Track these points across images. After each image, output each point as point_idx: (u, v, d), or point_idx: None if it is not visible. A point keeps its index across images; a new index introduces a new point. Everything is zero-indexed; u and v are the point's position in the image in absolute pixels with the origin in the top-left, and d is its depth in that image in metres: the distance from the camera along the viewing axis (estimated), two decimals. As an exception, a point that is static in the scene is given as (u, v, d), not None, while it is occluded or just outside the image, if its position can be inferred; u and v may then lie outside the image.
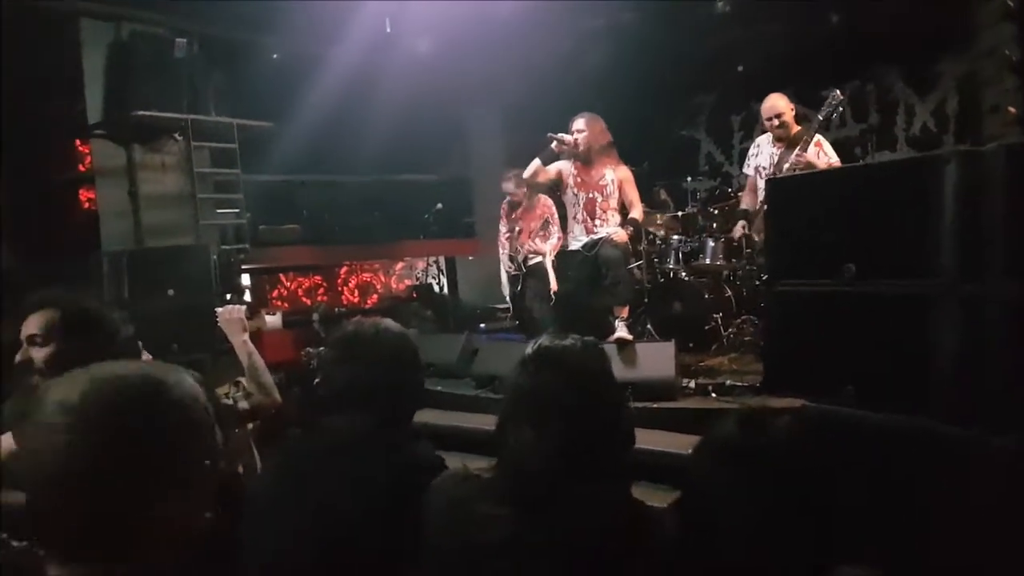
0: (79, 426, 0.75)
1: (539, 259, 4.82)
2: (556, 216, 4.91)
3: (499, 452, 1.27)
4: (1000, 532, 1.74)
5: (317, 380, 1.65)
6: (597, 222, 4.27)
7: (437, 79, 7.04)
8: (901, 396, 2.03)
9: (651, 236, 5.40)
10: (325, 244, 7.18)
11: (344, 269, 8.91)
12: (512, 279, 5.00)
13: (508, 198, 5.03)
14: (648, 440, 3.09)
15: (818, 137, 4.16)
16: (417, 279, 9.32)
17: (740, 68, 7.14)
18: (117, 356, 0.97)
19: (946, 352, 1.95)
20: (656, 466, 2.67)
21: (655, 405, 3.57)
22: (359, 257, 8.36)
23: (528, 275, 4.89)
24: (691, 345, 4.71)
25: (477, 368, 4.54)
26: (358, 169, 7.29)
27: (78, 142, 5.89)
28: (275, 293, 8.33)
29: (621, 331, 4.05)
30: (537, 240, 4.91)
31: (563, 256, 4.56)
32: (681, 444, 3.00)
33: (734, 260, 5.12)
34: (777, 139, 4.27)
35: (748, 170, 4.54)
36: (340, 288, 8.97)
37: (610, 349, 3.73)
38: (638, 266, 5.17)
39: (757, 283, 4.75)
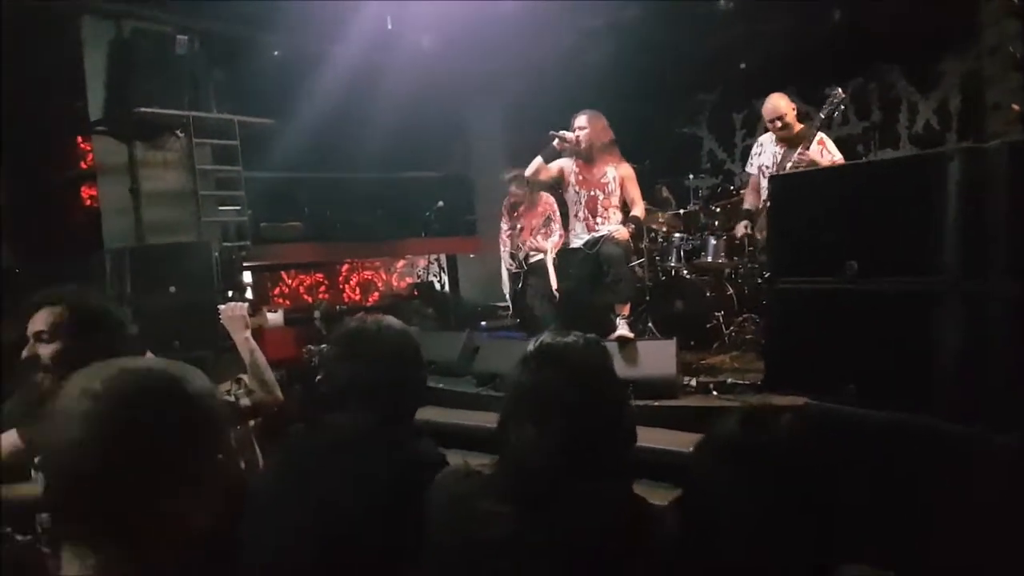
0: (103, 413, 0.77)
1: (540, 257, 4.81)
2: (558, 214, 4.91)
3: (501, 449, 1.27)
4: (1003, 530, 1.73)
5: (319, 377, 1.65)
6: (599, 220, 4.27)
7: (439, 76, 7.03)
8: (903, 394, 2.03)
9: (653, 234, 5.40)
10: (326, 241, 7.18)
11: (345, 267, 8.91)
12: (513, 277, 5.00)
13: (509, 196, 5.03)
14: (649, 438, 3.09)
15: (821, 135, 4.15)
16: (418, 277, 9.32)
17: (742, 65, 7.12)
18: (123, 353, 0.98)
19: (948, 350, 1.95)
20: (657, 464, 2.67)
21: (656, 403, 3.58)
22: (360, 255, 8.36)
23: (529, 273, 4.88)
24: (692, 343, 4.71)
25: (478, 366, 4.55)
26: (359, 166, 7.29)
27: (80, 139, 5.89)
28: (276, 291, 8.34)
29: (622, 329, 4.05)
30: (539, 237, 4.90)
31: (564, 254, 4.55)
32: (682, 442, 3.00)
33: (736, 258, 5.12)
34: (780, 139, 4.26)
35: (751, 169, 4.53)
36: (341, 286, 8.98)
37: (611, 347, 3.73)
38: (640, 264, 5.17)
39: (759, 281, 4.75)
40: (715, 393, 3.71)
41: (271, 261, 7.10)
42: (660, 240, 5.46)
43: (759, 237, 4.42)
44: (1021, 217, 1.82)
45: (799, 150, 4.07)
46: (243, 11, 5.79)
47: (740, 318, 4.95)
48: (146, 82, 5.39)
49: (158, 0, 5.52)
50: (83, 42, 5.37)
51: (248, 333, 2.22)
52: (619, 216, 4.31)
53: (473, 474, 1.29)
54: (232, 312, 2.24)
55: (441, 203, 7.90)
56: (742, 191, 5.39)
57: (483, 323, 6.69)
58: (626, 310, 4.17)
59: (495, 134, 8.23)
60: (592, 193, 4.27)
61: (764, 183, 4.29)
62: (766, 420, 1.10)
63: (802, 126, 4.22)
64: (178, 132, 5.68)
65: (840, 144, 4.38)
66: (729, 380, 3.80)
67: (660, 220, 5.52)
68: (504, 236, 5.08)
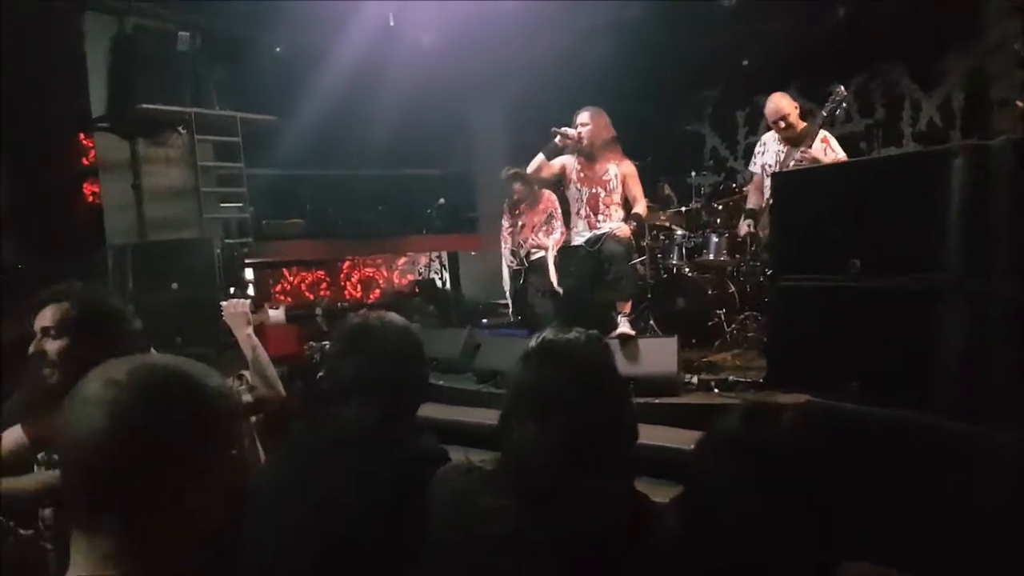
0: (126, 403, 0.79)
1: (541, 254, 4.80)
2: (559, 211, 4.90)
3: (502, 446, 1.27)
4: (1005, 528, 1.73)
5: (321, 373, 1.65)
6: (600, 217, 4.26)
7: (440, 74, 7.02)
8: (906, 392, 2.03)
9: (654, 232, 5.39)
10: (328, 238, 7.18)
11: (347, 264, 8.92)
12: (514, 274, 5.00)
13: (512, 193, 5.02)
14: (650, 436, 3.09)
15: (824, 133, 4.13)
16: (419, 274, 9.33)
17: (745, 63, 7.10)
18: (129, 350, 0.99)
19: (951, 348, 1.94)
20: (658, 462, 2.66)
21: (657, 401, 3.57)
22: (362, 252, 8.36)
23: (530, 270, 4.88)
24: (694, 341, 4.70)
25: (479, 363, 4.54)
26: (361, 163, 7.30)
27: (82, 136, 5.90)
28: (278, 287, 8.34)
29: (624, 327, 4.04)
30: (540, 235, 4.89)
31: (566, 251, 4.55)
32: (683, 440, 3.00)
33: (738, 256, 5.11)
34: (784, 139, 4.25)
35: (754, 168, 4.52)
36: (343, 283, 8.98)
37: (613, 345, 3.72)
38: (641, 261, 5.16)
39: (761, 279, 4.74)
40: (716, 391, 3.70)
41: (273, 258, 7.11)
42: (662, 238, 5.45)
43: (761, 235, 4.41)
44: (1025, 215, 1.81)
45: (802, 148, 4.06)
46: (245, 8, 5.78)
47: (742, 316, 4.95)
48: (148, 79, 5.39)
49: (160, -4, 5.52)
50: (85, 38, 5.37)
51: (250, 330, 2.22)
52: (621, 214, 4.30)
53: (475, 470, 1.29)
54: (234, 309, 2.24)
55: (442, 200, 7.90)
56: (744, 189, 5.37)
57: (484, 320, 6.69)
58: (627, 308, 4.16)
59: (497, 131, 8.22)
60: (594, 190, 4.26)
61: (767, 182, 4.28)
62: (768, 417, 1.10)
63: (805, 124, 4.21)
64: (180, 129, 5.67)
65: (843, 142, 4.36)
66: (730, 378, 3.80)
67: (662, 218, 5.51)
68: (505, 233, 5.08)
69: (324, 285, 8.71)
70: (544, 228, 4.91)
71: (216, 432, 0.85)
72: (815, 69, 6.02)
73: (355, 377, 1.54)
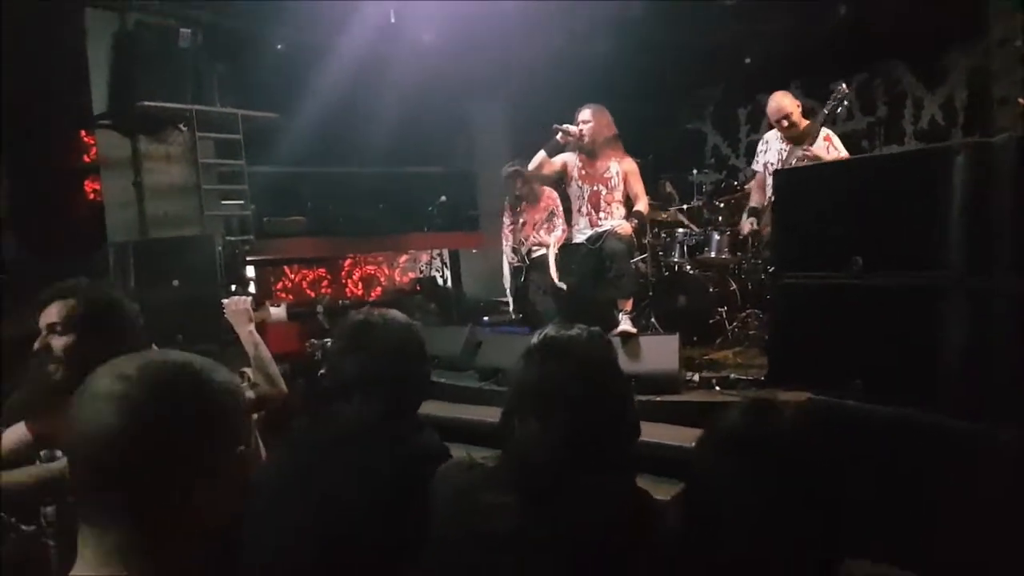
0: (137, 397, 0.79)
1: (543, 251, 4.80)
2: (561, 208, 4.89)
3: (504, 443, 1.27)
4: (1007, 526, 1.73)
5: (323, 370, 1.65)
6: (601, 215, 4.26)
7: (442, 71, 7.01)
8: (908, 389, 2.03)
9: (656, 229, 5.39)
10: (329, 236, 7.17)
11: (348, 261, 8.92)
12: (515, 271, 4.99)
13: (512, 190, 5.01)
14: (652, 433, 3.09)
15: (827, 132, 4.12)
16: (421, 272, 9.33)
17: (747, 60, 7.09)
18: (134, 348, 0.99)
19: (953, 346, 1.94)
20: (659, 459, 2.66)
21: (658, 398, 3.57)
22: (363, 249, 8.36)
23: (532, 268, 4.87)
24: (695, 339, 4.70)
25: (481, 361, 4.54)
26: (362, 161, 7.29)
27: (83, 133, 5.90)
28: (279, 285, 8.34)
29: (625, 324, 4.04)
30: (541, 232, 4.89)
31: (567, 249, 4.55)
32: (685, 437, 3.00)
33: (739, 253, 5.11)
34: (787, 138, 4.24)
35: (757, 166, 4.51)
36: (344, 280, 8.98)
37: (614, 342, 3.72)
38: (643, 259, 5.16)
39: (763, 276, 4.74)
40: (718, 389, 3.70)
41: (274, 255, 7.10)
42: (663, 235, 5.45)
43: (764, 233, 4.41)
44: (1028, 212, 1.81)
45: (804, 146, 4.05)
46: (247, 5, 5.78)
47: (743, 314, 4.95)
48: (149, 76, 5.38)
49: (161, -7, 5.52)
50: (86, 35, 5.36)
51: (252, 327, 2.22)
52: (622, 211, 4.30)
53: (476, 467, 1.29)
54: (236, 306, 2.24)
55: (444, 198, 7.89)
56: (746, 187, 5.37)
57: (485, 318, 6.69)
58: (629, 305, 4.16)
59: (498, 129, 8.22)
60: (595, 188, 4.26)
61: (770, 180, 4.27)
62: (768, 414, 1.10)
63: (808, 123, 4.20)
64: (181, 126, 5.67)
65: (845, 140, 4.36)
66: (732, 376, 3.79)
67: (663, 216, 5.50)
68: (506, 231, 5.07)
69: (325, 283, 8.72)
70: (545, 226, 4.90)
71: (225, 427, 0.85)
72: (817, 67, 6.01)
73: (357, 374, 1.54)
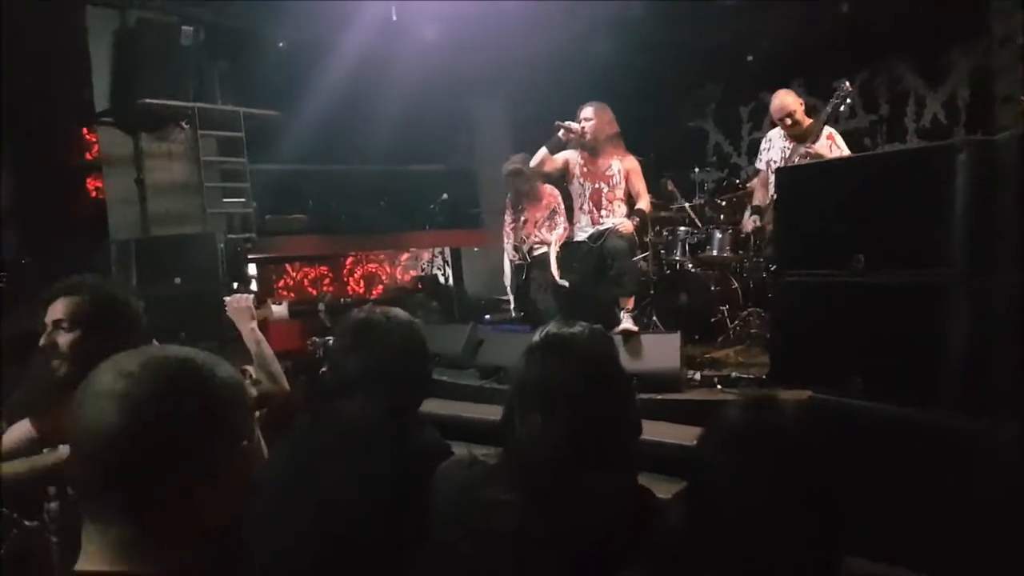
0: (138, 394, 0.79)
1: (544, 249, 4.79)
2: (562, 206, 4.89)
3: (505, 440, 1.27)
4: (1007, 526, 1.73)
5: (325, 368, 1.65)
6: (603, 212, 4.25)
7: (443, 69, 7.01)
8: (909, 387, 2.02)
9: (658, 227, 5.38)
10: (331, 234, 7.18)
11: (350, 259, 8.92)
12: (516, 269, 4.99)
13: (514, 188, 5.00)
14: (653, 431, 3.09)
15: (830, 130, 4.12)
16: (422, 270, 9.33)
17: (749, 58, 7.08)
18: (139, 344, 0.99)
19: (955, 344, 1.94)
20: (661, 458, 2.66)
21: (660, 397, 3.57)
22: (365, 247, 8.36)
23: (533, 265, 4.87)
24: (697, 337, 4.70)
25: (482, 359, 4.54)
26: (364, 159, 7.29)
27: (85, 131, 5.90)
28: (281, 283, 8.35)
29: (626, 322, 4.04)
30: (543, 230, 4.88)
31: (568, 247, 4.54)
32: (686, 436, 3.00)
33: (741, 252, 5.10)
34: (790, 136, 4.24)
35: (760, 164, 4.50)
36: (346, 278, 8.99)
37: (615, 340, 3.71)
38: (644, 257, 5.15)
39: (764, 275, 4.73)
40: (719, 387, 3.70)
41: (276, 253, 7.11)
42: (665, 233, 5.44)
43: (767, 230, 4.40)
44: (1030, 210, 1.80)
45: (807, 144, 4.05)
46: (248, 3, 5.78)
47: (745, 312, 4.94)
48: (151, 73, 5.38)
49: (162, -9, 5.52)
50: (88, 33, 5.36)
51: (254, 324, 2.22)
52: (624, 209, 4.29)
53: (478, 464, 1.29)
54: (238, 303, 2.24)
55: (445, 196, 7.89)
56: (748, 185, 5.36)
57: (487, 316, 6.69)
58: (630, 304, 4.16)
59: (499, 127, 8.21)
60: (597, 186, 4.25)
61: (772, 178, 4.27)
62: (770, 412, 1.10)
63: (811, 121, 4.20)
64: (183, 123, 5.68)
65: (847, 138, 4.35)
66: (733, 374, 3.79)
67: (664, 214, 5.50)
68: (508, 228, 5.07)
69: (327, 281, 8.72)
70: (547, 223, 4.89)
71: (227, 422, 0.85)
72: (819, 65, 6.00)
73: (358, 372, 1.55)
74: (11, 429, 1.70)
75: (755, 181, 4.75)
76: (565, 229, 4.77)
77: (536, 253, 4.85)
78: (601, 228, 4.20)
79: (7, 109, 4.65)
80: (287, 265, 8.28)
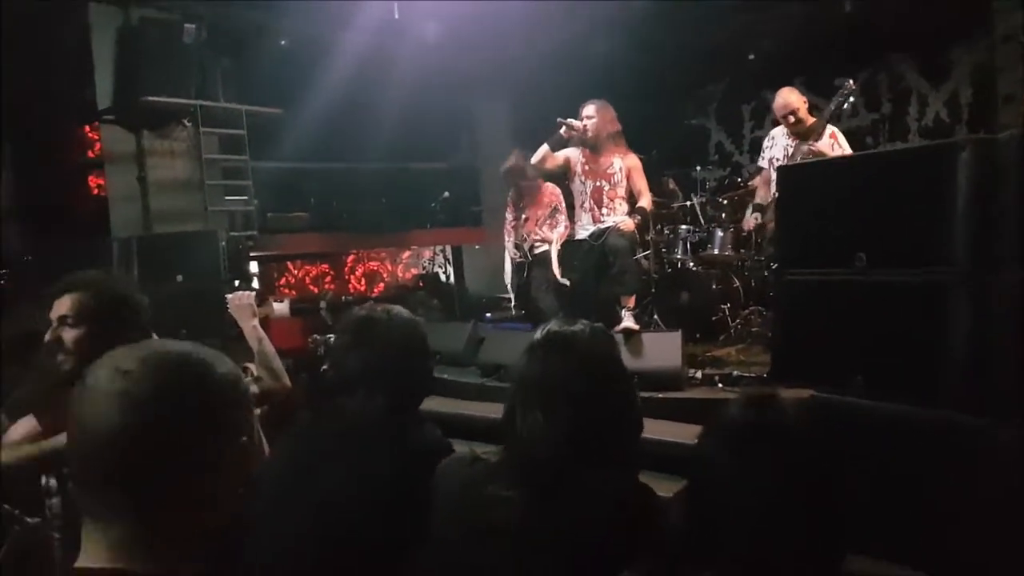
0: (135, 392, 0.78)
1: (546, 247, 4.79)
2: (563, 204, 4.88)
3: (506, 438, 1.27)
4: (1008, 525, 1.73)
5: (326, 366, 1.65)
6: (604, 211, 4.25)
7: (445, 67, 7.01)
8: (911, 386, 2.02)
9: (659, 226, 5.38)
10: (332, 232, 7.19)
11: (351, 257, 8.93)
12: (518, 267, 4.98)
13: (516, 186, 5.00)
14: (654, 430, 3.08)
15: (833, 129, 4.12)
16: (424, 268, 9.34)
17: (751, 56, 7.07)
18: (145, 340, 0.98)
19: (957, 342, 1.94)
20: (662, 456, 2.66)
21: (661, 395, 3.57)
22: (366, 245, 8.37)
23: (534, 264, 4.86)
24: (698, 335, 4.70)
25: (483, 357, 4.55)
26: (366, 157, 7.29)
27: (87, 128, 5.91)
28: (282, 281, 8.37)
29: (628, 321, 4.04)
30: (544, 228, 4.88)
31: (570, 245, 4.54)
32: (687, 434, 3.00)
33: (742, 250, 5.10)
34: (793, 134, 4.23)
35: (763, 162, 4.50)
36: (347, 276, 9.00)
37: (616, 338, 3.71)
38: (645, 256, 5.15)
39: (766, 273, 4.73)
40: (720, 385, 3.70)
41: (277, 251, 7.12)
42: (666, 232, 5.44)
43: (769, 228, 4.39)
44: (1032, 209, 1.80)
45: (809, 142, 4.04)
46: (251, 1, 5.78)
47: (746, 311, 4.94)
48: (153, 71, 5.38)
49: (165, -12, 5.52)
50: (90, 30, 5.37)
51: (256, 321, 2.23)
52: (625, 207, 4.29)
53: (479, 461, 1.29)
54: (240, 300, 2.24)
55: (447, 194, 7.89)
56: (750, 183, 5.36)
57: (488, 314, 6.69)
58: (631, 302, 4.16)
59: (501, 125, 8.21)
60: (598, 184, 4.25)
61: (775, 176, 4.26)
62: (770, 410, 1.10)
63: (814, 119, 4.19)
64: (185, 121, 5.68)
65: (849, 136, 4.34)
66: (735, 373, 3.79)
67: (665, 212, 5.50)
68: (509, 226, 5.06)
69: (328, 278, 8.74)
70: (548, 221, 4.89)
71: (227, 417, 0.85)
72: (821, 63, 5.98)
73: (360, 370, 1.55)
74: (16, 425, 1.70)
75: (757, 179, 4.74)
76: (566, 227, 4.76)
77: (537, 251, 4.85)
78: (602, 226, 4.20)
79: (9, 106, 4.65)
80: (289, 263, 8.29)
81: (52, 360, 1.72)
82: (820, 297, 2.34)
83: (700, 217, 5.60)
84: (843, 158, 3.73)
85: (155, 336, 1.83)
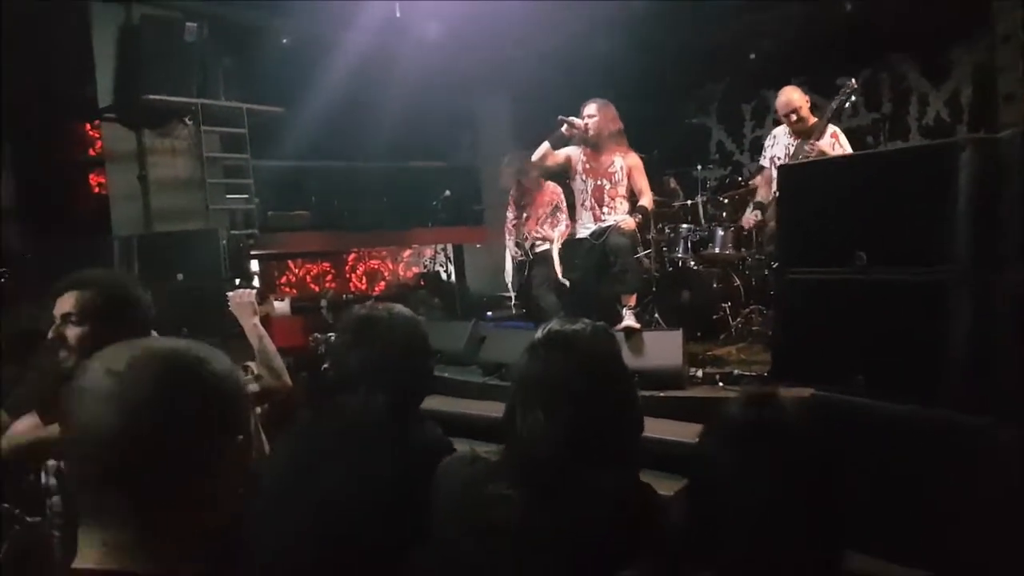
0: (127, 392, 0.77)
1: (547, 246, 4.79)
2: (564, 203, 4.88)
3: (507, 437, 1.27)
4: (1009, 524, 1.73)
5: (327, 364, 1.65)
6: (605, 209, 4.25)
7: (447, 66, 7.01)
8: (912, 385, 2.02)
9: (660, 224, 5.38)
10: (333, 230, 7.19)
11: (352, 256, 8.93)
12: (519, 266, 4.98)
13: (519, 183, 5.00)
14: (655, 429, 3.08)
15: (834, 128, 4.12)
16: (425, 267, 9.34)
17: (752, 56, 7.07)
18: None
19: (958, 341, 1.93)
20: (662, 455, 2.66)
21: (662, 394, 3.56)
22: (367, 244, 8.37)
23: (535, 262, 4.86)
24: (699, 334, 4.70)
25: (484, 355, 4.55)
26: (367, 156, 7.29)
27: (88, 126, 5.91)
28: (283, 279, 8.37)
29: (629, 320, 4.04)
30: (545, 227, 4.88)
31: (571, 244, 4.54)
32: (688, 433, 3.00)
33: (743, 249, 5.10)
34: (794, 132, 4.23)
35: (764, 161, 4.50)
36: (348, 275, 9.00)
37: (618, 337, 3.71)
38: (646, 254, 5.15)
39: (766, 272, 4.73)
40: (721, 384, 3.70)
41: (278, 250, 7.12)
42: (667, 231, 5.44)
43: (770, 226, 4.39)
44: (1033, 208, 1.80)
45: (811, 141, 4.04)
46: (252, -1, 5.79)
47: (747, 309, 4.94)
48: (155, 69, 5.38)
49: (166, -13, 5.52)
50: (91, 28, 5.37)
51: (257, 319, 2.23)
52: (626, 206, 4.29)
53: (479, 460, 1.29)
54: (240, 299, 2.25)
55: (448, 193, 7.89)
56: (750, 182, 5.35)
57: (489, 313, 6.69)
58: (632, 301, 4.16)
59: (502, 124, 8.21)
60: (599, 182, 4.25)
61: (776, 175, 4.26)
62: (771, 409, 1.10)
63: (816, 119, 4.19)
64: (186, 119, 5.68)
65: (850, 136, 4.34)
66: (735, 371, 3.79)
67: (666, 211, 5.50)
68: (510, 225, 5.06)
69: (329, 277, 8.74)
70: (549, 220, 4.89)
71: (222, 416, 0.83)
72: (822, 62, 5.98)
73: (361, 368, 1.55)
74: (17, 422, 1.70)
75: (758, 178, 4.74)
76: (567, 226, 4.76)
77: (538, 250, 4.85)
78: (603, 225, 4.20)
79: (10, 105, 4.65)
80: (289, 261, 8.30)
81: (53, 357, 1.72)
82: (821, 296, 2.34)
83: (701, 216, 5.60)
84: (844, 157, 3.73)
85: (155, 334, 1.83)
